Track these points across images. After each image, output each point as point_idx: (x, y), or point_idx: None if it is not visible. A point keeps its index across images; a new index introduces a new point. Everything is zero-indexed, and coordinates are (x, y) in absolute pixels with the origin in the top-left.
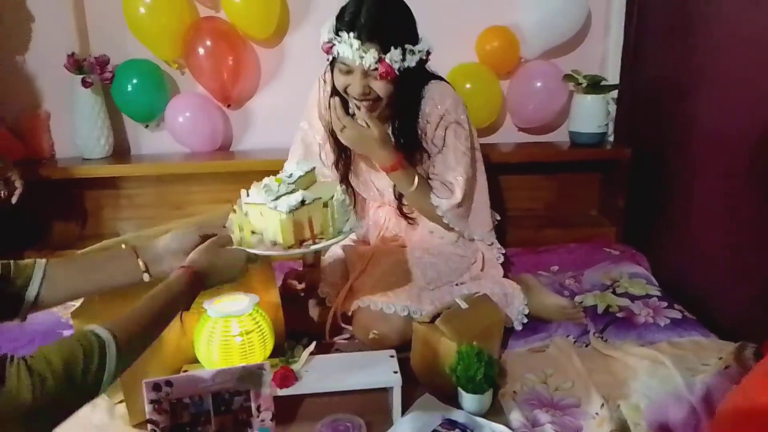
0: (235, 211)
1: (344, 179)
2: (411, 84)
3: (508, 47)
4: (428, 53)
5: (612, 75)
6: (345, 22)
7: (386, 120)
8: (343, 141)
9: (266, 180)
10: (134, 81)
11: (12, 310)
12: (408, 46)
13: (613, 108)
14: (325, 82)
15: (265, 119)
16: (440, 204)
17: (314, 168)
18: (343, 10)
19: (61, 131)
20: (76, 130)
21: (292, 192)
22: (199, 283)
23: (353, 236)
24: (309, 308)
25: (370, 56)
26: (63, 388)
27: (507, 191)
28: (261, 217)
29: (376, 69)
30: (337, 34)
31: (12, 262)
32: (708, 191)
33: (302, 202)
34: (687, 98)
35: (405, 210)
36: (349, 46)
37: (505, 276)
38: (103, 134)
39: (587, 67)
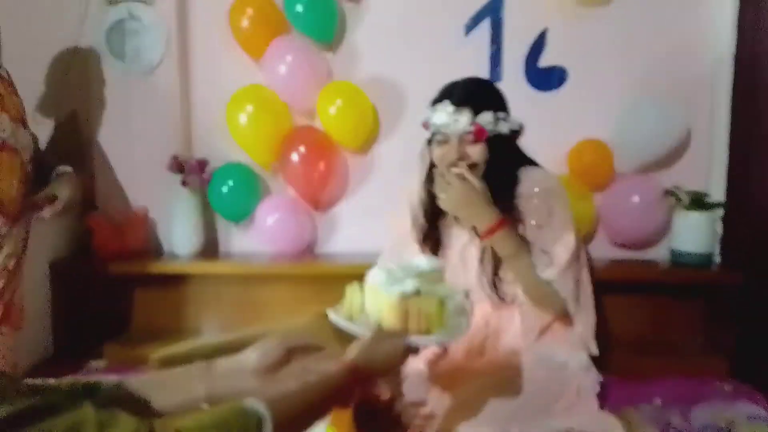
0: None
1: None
2: (504, 153)
3: (602, 161)
4: (521, 127)
5: (717, 191)
6: (440, 95)
7: None
8: (445, 205)
9: (392, 264)
10: (230, 183)
11: None
12: (499, 114)
13: (719, 227)
14: (422, 161)
15: (350, 224)
16: (544, 271)
17: (444, 268)
18: (439, 91)
19: (157, 227)
20: (171, 226)
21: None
22: (360, 379)
23: (435, 348)
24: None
25: (464, 119)
26: None
27: (599, 311)
28: (373, 298)
29: (469, 133)
30: (433, 106)
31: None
32: None
33: (417, 292)
34: None
35: (500, 294)
36: (444, 113)
37: (601, 408)
38: (196, 232)
39: (690, 182)
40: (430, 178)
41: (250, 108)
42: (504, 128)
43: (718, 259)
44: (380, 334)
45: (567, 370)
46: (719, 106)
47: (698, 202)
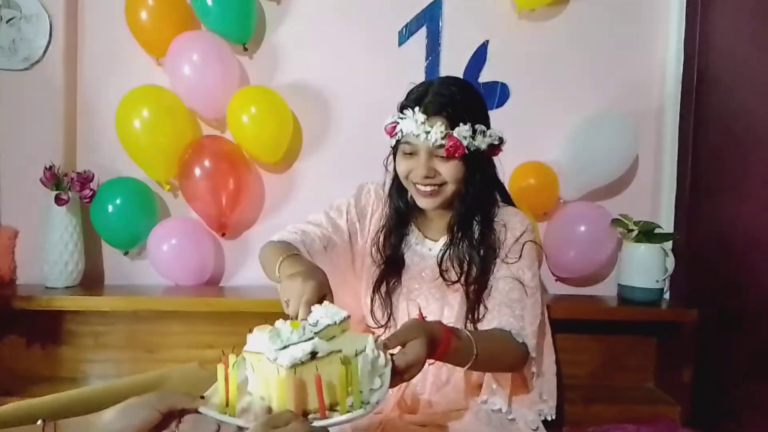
0: (221, 361)
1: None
2: (481, 171)
3: (546, 186)
4: (501, 140)
5: (666, 223)
6: (411, 99)
7: (446, 230)
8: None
9: (278, 323)
10: (117, 201)
11: None
12: (478, 126)
13: (671, 261)
14: (387, 170)
15: None
16: (513, 327)
17: (348, 317)
18: (409, 92)
19: (28, 253)
20: (44, 252)
21: (307, 341)
22: None
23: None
24: None
25: (437, 130)
26: None
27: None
28: (258, 372)
29: (442, 146)
30: (402, 112)
31: None
32: None
33: (312, 356)
34: (759, 251)
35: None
36: (414, 121)
37: None
38: (73, 260)
39: (637, 213)
40: (397, 191)
41: (145, 112)
42: (482, 143)
43: (668, 294)
44: (271, 421)
45: (514, 426)
46: (667, 131)
47: (648, 233)
